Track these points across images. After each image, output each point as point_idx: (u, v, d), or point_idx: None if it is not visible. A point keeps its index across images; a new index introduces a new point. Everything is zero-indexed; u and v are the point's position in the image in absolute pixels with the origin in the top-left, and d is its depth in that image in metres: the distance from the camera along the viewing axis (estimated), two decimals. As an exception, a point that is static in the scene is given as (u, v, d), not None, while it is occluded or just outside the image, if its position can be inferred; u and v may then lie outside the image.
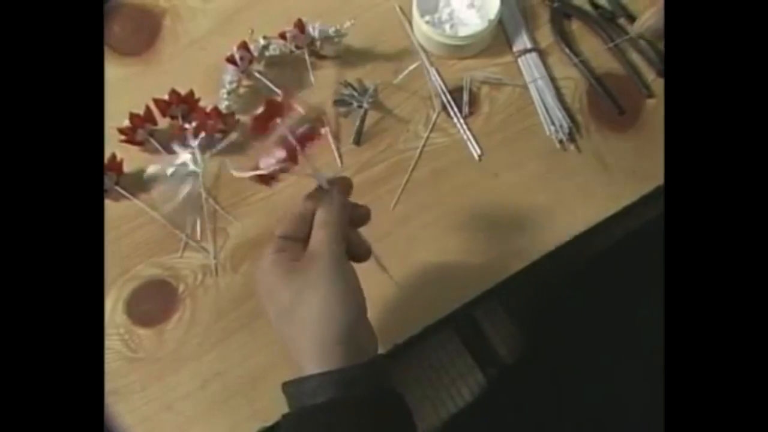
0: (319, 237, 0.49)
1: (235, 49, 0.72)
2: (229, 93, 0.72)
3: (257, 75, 0.73)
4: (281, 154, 0.53)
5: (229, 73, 0.72)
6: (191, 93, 0.72)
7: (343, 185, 0.52)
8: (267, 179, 0.53)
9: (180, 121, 0.71)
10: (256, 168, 0.53)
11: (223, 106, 0.72)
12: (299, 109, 0.54)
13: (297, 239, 0.50)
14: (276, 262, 0.49)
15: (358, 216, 0.53)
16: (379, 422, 0.46)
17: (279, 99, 0.54)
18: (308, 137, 0.56)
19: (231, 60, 0.72)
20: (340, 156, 0.71)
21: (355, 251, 0.52)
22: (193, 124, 0.69)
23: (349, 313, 0.47)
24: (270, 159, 0.53)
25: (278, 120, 0.54)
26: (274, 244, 0.50)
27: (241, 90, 0.74)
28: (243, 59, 0.72)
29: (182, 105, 0.71)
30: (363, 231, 0.53)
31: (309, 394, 0.46)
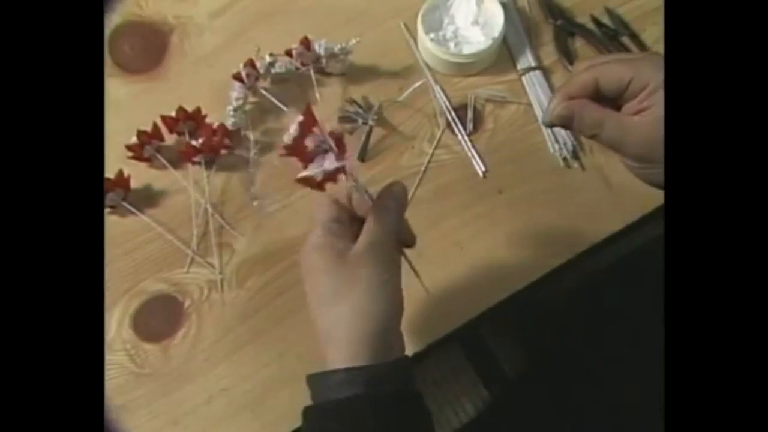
0: (376, 232, 0.49)
1: (241, 66, 0.73)
2: (235, 110, 0.73)
3: (263, 92, 0.74)
4: (331, 160, 0.52)
5: (236, 90, 0.73)
6: (198, 110, 0.72)
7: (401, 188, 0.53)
8: (319, 184, 0.53)
9: (187, 137, 0.72)
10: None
11: (229, 122, 0.73)
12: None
13: (342, 222, 0.50)
14: (325, 246, 0.49)
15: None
16: (401, 422, 0.46)
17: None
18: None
19: (237, 77, 0.73)
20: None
21: (404, 237, 0.52)
22: (200, 140, 0.70)
23: (388, 312, 0.48)
24: (318, 165, 0.52)
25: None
26: (320, 228, 0.50)
27: (248, 107, 0.74)
28: (249, 76, 0.73)
29: (189, 122, 0.72)
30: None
31: (334, 388, 0.46)
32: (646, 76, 0.47)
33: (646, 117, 0.48)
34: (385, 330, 0.48)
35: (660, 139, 0.47)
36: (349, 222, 0.52)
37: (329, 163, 0.52)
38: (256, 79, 0.74)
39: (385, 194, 0.51)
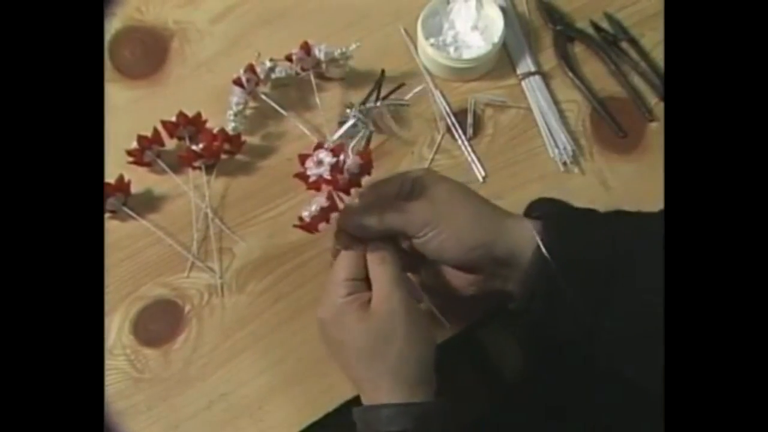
0: (379, 277, 0.53)
1: (241, 71, 0.73)
2: (235, 115, 0.73)
3: (263, 97, 0.74)
4: (322, 201, 0.54)
5: (236, 95, 0.73)
6: (198, 114, 0.72)
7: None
8: (311, 227, 0.55)
9: (187, 142, 0.72)
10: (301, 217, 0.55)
11: (230, 127, 0.73)
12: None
13: (361, 279, 0.54)
14: (348, 306, 0.52)
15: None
16: None
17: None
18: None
19: (238, 82, 0.73)
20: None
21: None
22: (200, 145, 0.70)
23: (426, 352, 0.53)
24: (311, 206, 0.54)
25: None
26: (341, 287, 0.53)
27: (248, 112, 0.75)
28: (250, 81, 0.73)
29: (189, 126, 0.72)
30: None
31: (384, 422, 0.49)
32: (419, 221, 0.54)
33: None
34: (426, 369, 0.52)
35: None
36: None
37: (316, 209, 0.54)
38: (256, 83, 0.74)
39: (372, 246, 0.54)
